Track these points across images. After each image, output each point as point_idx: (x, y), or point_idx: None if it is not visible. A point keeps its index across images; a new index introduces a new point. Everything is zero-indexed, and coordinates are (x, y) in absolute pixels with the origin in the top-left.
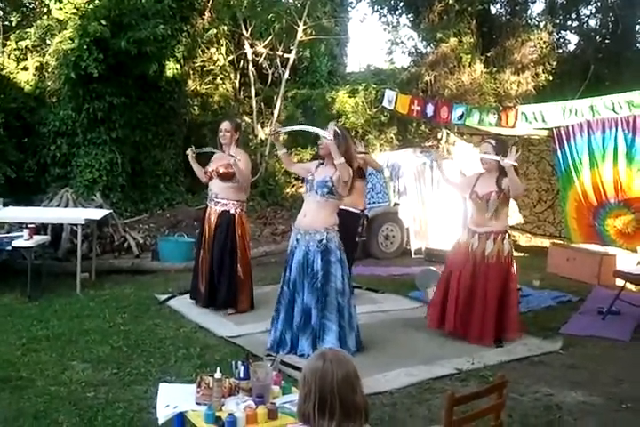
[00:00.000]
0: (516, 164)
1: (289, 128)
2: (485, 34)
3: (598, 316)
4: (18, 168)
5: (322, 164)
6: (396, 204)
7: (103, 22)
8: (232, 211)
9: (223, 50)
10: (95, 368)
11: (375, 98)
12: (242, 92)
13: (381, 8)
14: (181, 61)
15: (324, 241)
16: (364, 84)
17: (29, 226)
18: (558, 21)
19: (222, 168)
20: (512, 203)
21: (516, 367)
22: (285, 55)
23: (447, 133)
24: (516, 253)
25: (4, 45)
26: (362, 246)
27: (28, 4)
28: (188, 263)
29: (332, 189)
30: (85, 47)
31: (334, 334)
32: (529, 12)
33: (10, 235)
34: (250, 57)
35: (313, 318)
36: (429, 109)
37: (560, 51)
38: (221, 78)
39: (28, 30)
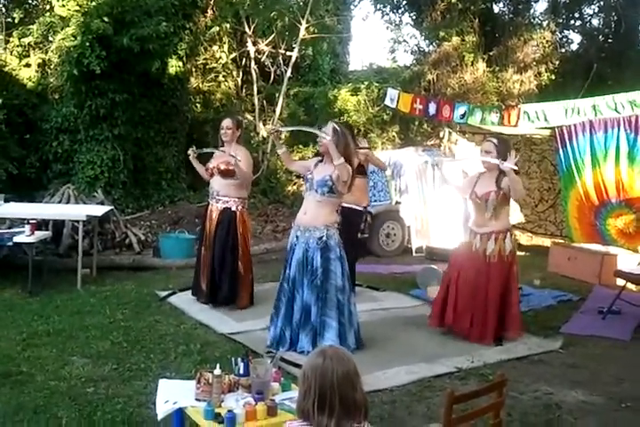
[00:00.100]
0: (515, 167)
1: (289, 128)
2: (488, 33)
3: (599, 315)
4: (20, 164)
5: (321, 161)
6: (397, 202)
7: (106, 19)
8: (233, 208)
9: (225, 47)
10: (95, 364)
11: (377, 96)
12: (244, 90)
13: (384, 6)
14: (184, 59)
15: (324, 238)
16: (366, 83)
17: (31, 222)
18: (561, 20)
19: (223, 165)
20: (513, 202)
21: (516, 366)
22: (288, 53)
23: (449, 132)
24: (517, 253)
25: (7, 42)
26: (363, 244)
27: (30, 1)
28: (189, 260)
29: (332, 188)
30: (88, 44)
31: (334, 331)
32: (532, 10)
33: (11, 230)
34: (252, 55)
35: (313, 315)
36: (432, 108)
37: (563, 50)
38: (224, 76)
39: (30, 27)
